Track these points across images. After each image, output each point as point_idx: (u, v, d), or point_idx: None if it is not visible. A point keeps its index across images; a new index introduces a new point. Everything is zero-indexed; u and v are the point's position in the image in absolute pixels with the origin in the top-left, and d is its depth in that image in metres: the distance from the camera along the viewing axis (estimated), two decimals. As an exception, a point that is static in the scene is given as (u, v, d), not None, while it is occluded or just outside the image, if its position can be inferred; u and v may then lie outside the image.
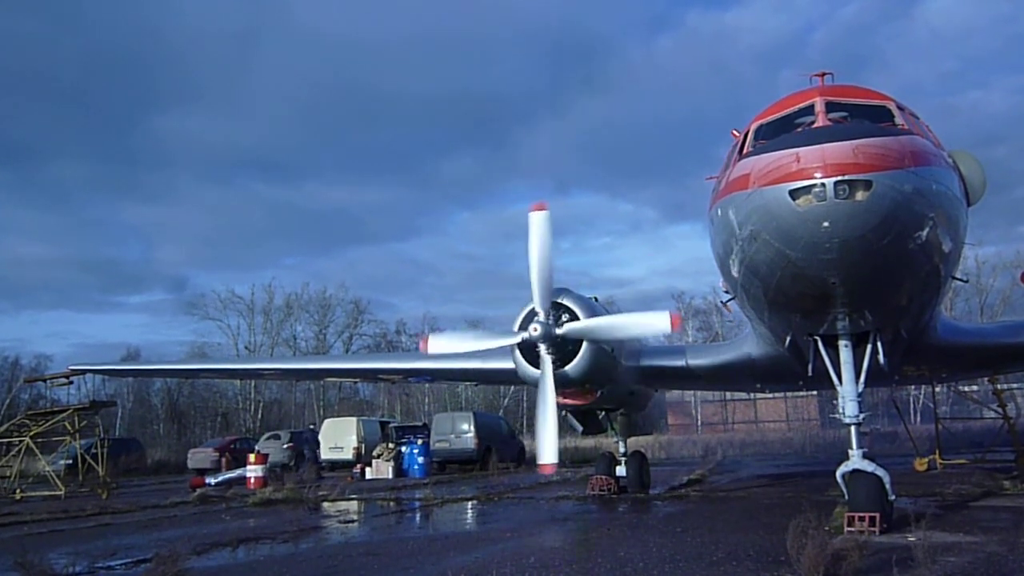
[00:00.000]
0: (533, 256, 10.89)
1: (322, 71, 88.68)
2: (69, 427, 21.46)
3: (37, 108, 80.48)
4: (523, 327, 11.41)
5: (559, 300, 11.61)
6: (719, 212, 8.42)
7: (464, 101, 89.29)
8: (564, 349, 11.49)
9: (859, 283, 7.94)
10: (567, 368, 11.55)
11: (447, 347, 11.75)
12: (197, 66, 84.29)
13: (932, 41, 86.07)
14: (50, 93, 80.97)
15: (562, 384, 11.48)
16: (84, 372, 23.81)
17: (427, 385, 44.60)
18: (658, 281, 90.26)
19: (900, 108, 8.29)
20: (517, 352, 11.80)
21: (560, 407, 13.99)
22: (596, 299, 12.46)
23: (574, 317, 11.54)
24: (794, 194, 7.09)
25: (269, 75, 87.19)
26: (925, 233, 7.49)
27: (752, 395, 42.11)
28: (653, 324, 10.86)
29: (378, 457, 25.91)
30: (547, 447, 10.68)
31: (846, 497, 9.06)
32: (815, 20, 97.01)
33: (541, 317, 11.14)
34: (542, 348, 11.17)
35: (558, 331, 11.25)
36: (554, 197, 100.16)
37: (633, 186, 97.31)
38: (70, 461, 23.92)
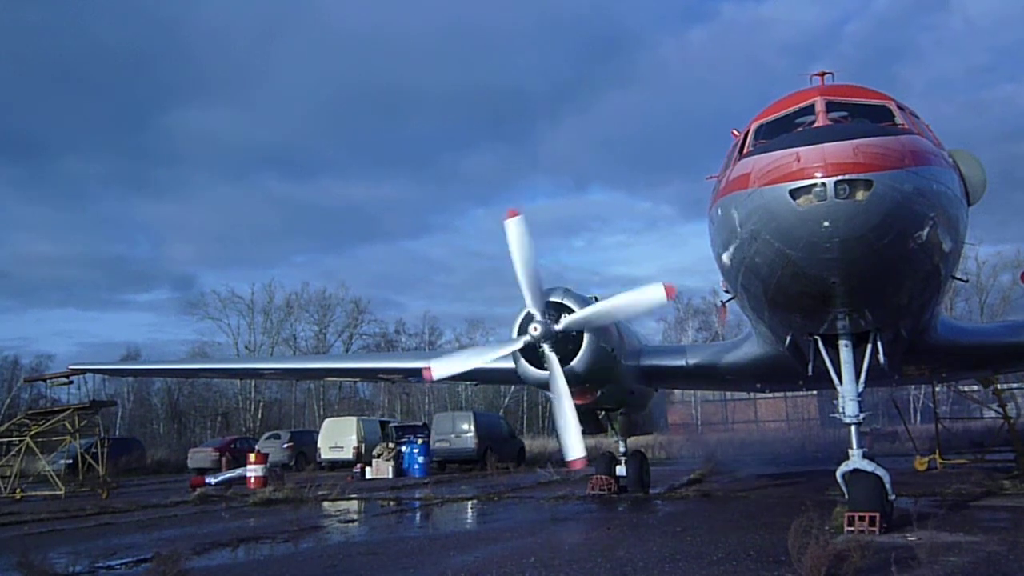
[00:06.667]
0: (517, 261, 10.89)
1: (341, 66, 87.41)
2: (69, 427, 21.42)
3: (50, 102, 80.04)
4: (522, 331, 11.40)
5: (552, 299, 11.61)
6: (719, 212, 8.43)
7: (485, 96, 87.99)
8: (566, 348, 11.50)
9: (859, 283, 7.94)
10: (572, 364, 11.53)
11: (450, 368, 11.55)
12: (215, 61, 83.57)
13: (966, 32, 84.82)
14: (64, 87, 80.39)
15: (566, 383, 11.45)
16: (84, 372, 23.76)
17: (427, 385, 44.58)
18: (668, 280, 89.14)
19: (900, 108, 8.30)
20: (520, 357, 11.74)
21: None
22: (596, 298, 12.40)
23: (569, 313, 11.50)
24: (794, 194, 7.10)
25: (288, 70, 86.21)
26: (925, 233, 7.49)
27: (752, 395, 42.06)
28: (649, 298, 10.71)
29: (378, 457, 25.92)
30: (572, 442, 10.81)
31: (846, 497, 9.06)
32: (850, 11, 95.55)
33: (539, 317, 11.15)
34: (546, 347, 11.16)
35: (558, 327, 11.24)
36: (572, 194, 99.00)
37: (652, 183, 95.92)
38: (70, 461, 23.93)
